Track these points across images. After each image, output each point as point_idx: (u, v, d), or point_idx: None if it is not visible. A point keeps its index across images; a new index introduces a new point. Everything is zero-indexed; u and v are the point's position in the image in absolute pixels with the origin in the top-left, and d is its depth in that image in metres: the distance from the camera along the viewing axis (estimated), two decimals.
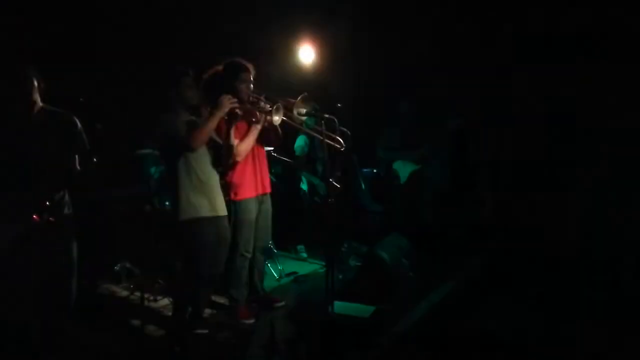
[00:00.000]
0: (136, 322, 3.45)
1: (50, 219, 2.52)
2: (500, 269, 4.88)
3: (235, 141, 3.37)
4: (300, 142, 5.03)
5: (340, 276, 4.44)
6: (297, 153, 5.07)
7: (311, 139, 4.95)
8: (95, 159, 2.53)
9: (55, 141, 2.54)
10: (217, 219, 3.18)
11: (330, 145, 3.29)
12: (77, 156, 2.65)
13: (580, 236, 5.22)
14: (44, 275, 2.55)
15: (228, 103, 3.06)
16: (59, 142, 2.56)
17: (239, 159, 3.41)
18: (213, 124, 3.05)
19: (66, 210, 2.63)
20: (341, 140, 3.48)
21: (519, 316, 3.80)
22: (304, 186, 5.18)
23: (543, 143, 5.60)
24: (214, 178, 3.22)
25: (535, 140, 5.69)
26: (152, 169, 4.30)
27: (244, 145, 3.39)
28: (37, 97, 2.48)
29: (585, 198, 5.29)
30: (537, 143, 5.66)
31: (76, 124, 2.65)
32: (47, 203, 2.51)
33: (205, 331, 3.26)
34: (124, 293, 3.99)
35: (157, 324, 3.52)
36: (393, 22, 5.91)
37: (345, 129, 3.73)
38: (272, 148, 4.09)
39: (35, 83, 2.46)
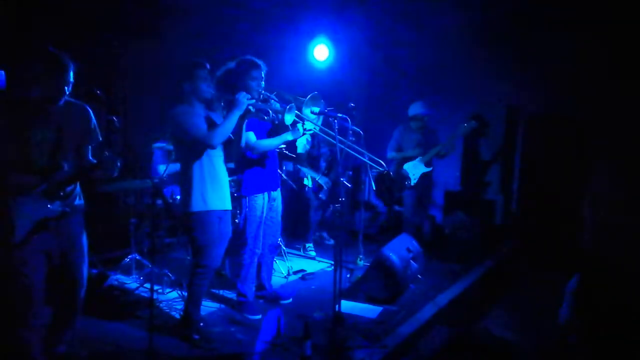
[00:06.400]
0: (145, 314, 3.48)
1: (66, 209, 2.56)
2: (509, 271, 4.86)
3: (252, 134, 3.44)
4: (302, 139, 5.04)
5: (348, 275, 4.45)
6: (299, 150, 5.10)
7: (313, 136, 4.94)
8: (107, 152, 2.54)
9: (71, 133, 2.57)
10: (223, 213, 3.22)
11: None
12: (90, 148, 2.68)
13: (593, 238, 5.17)
14: (56, 265, 2.58)
15: (245, 100, 3.09)
16: (74, 134, 2.59)
17: (257, 151, 3.49)
18: (232, 122, 3.07)
19: (77, 201, 2.66)
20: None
21: (526, 320, 3.79)
22: (308, 182, 5.20)
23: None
24: (224, 172, 3.26)
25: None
26: (162, 167, 4.33)
27: (265, 143, 3.51)
28: (68, 90, 2.51)
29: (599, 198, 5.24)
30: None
31: (91, 117, 2.67)
32: (61, 194, 2.53)
33: (201, 324, 3.28)
34: (134, 285, 4.03)
35: (167, 315, 3.56)
36: (409, 20, 5.89)
37: (357, 129, 3.74)
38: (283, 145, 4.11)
39: (72, 75, 2.49)
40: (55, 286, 2.62)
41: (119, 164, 2.52)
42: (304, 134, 3.52)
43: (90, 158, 2.69)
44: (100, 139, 2.70)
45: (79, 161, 2.63)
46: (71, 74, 2.48)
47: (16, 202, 2.42)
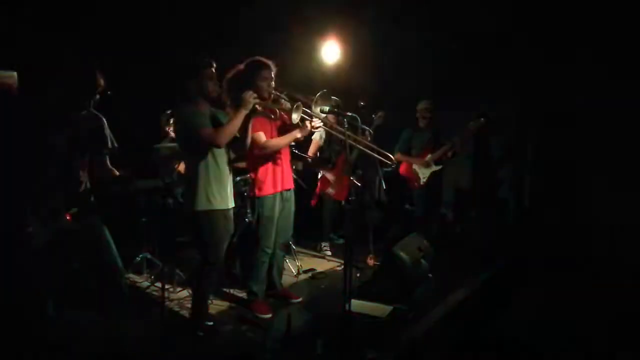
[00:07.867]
0: (156, 313, 3.50)
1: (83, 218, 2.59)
2: (521, 271, 4.81)
3: (261, 134, 3.43)
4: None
5: (358, 274, 4.44)
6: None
7: (328, 135, 4.93)
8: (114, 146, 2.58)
9: (87, 144, 2.61)
10: (227, 211, 3.22)
11: (352, 145, 3.31)
12: (107, 157, 2.73)
13: (607, 238, 5.12)
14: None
15: (251, 99, 3.09)
16: (90, 145, 2.63)
17: (266, 151, 3.47)
18: (239, 121, 3.07)
19: (94, 208, 2.70)
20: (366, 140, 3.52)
21: (537, 321, 3.75)
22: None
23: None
24: (227, 171, 3.25)
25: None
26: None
27: (274, 142, 3.49)
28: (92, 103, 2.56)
29: (611, 199, 5.18)
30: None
31: (105, 127, 2.72)
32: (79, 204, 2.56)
33: (211, 323, 3.29)
34: (145, 284, 4.05)
35: (177, 314, 3.58)
36: (418, 17, 5.86)
37: (367, 128, 3.73)
38: (293, 144, 4.11)
39: (99, 89, 2.53)
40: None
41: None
42: (311, 131, 3.52)
43: (109, 165, 2.73)
44: (116, 145, 2.74)
45: (95, 170, 2.67)
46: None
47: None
